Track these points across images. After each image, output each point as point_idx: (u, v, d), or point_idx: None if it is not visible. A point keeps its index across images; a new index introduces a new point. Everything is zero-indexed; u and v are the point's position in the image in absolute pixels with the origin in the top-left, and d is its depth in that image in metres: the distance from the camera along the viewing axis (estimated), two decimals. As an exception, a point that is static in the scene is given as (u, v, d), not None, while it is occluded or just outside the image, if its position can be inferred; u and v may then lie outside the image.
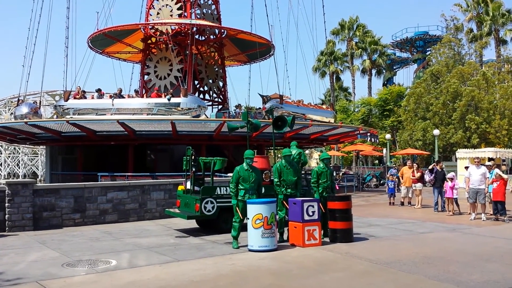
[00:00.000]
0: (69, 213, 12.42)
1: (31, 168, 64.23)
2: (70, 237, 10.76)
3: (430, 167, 16.90)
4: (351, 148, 37.83)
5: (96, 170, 20.64)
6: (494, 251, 8.85)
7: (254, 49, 28.67)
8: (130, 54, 31.60)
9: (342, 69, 57.45)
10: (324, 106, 31.39)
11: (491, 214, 13.68)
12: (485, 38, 44.85)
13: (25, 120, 22.12)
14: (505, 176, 13.81)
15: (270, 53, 31.30)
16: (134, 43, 29.66)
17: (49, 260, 8.31)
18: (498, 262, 7.95)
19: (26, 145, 45.73)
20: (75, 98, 22.79)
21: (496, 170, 13.74)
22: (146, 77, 28.52)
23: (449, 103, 37.32)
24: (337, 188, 21.93)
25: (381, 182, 29.16)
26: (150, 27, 27.51)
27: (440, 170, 16.07)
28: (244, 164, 9.51)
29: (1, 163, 60.35)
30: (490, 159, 26.05)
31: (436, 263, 7.79)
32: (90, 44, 28.75)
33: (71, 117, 21.57)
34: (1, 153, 59.92)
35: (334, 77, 57.11)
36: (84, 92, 23.86)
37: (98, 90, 23.49)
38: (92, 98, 23.39)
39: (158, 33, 27.33)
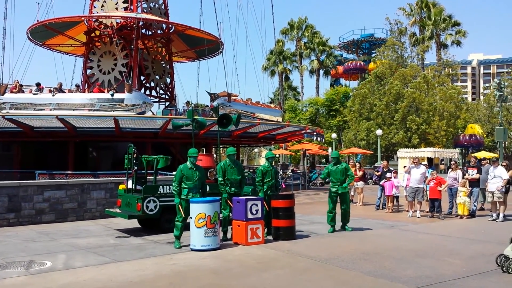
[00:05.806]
0: (3, 212, 11.82)
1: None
2: (4, 237, 10.23)
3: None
4: (299, 147, 38.38)
5: (34, 168, 19.71)
6: (428, 247, 9.22)
7: (203, 46, 28.43)
8: (73, 47, 30.46)
9: (291, 68, 58.28)
10: (272, 105, 31.68)
11: (426, 212, 14.28)
12: (427, 42, 46.67)
13: (-44, 114, 20.80)
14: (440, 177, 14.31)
15: (219, 51, 31.14)
16: (77, 36, 28.60)
17: (-23, 263, 7.86)
18: (431, 257, 8.29)
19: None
20: (12, 92, 21.72)
21: (431, 170, 14.38)
22: (89, 71, 27.57)
23: (391, 104, 38.64)
24: (284, 186, 22.32)
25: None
26: (94, 19, 26.61)
27: (385, 169, 16.63)
28: (188, 162, 9.40)
29: None
30: (429, 159, 27.24)
31: (373, 259, 8.02)
32: (30, 36, 27.47)
33: (7, 112, 20.51)
34: None
35: (283, 76, 57.77)
36: (22, 85, 22.76)
37: (38, 84, 22.50)
38: (31, 92, 22.36)
39: (102, 26, 26.47)
